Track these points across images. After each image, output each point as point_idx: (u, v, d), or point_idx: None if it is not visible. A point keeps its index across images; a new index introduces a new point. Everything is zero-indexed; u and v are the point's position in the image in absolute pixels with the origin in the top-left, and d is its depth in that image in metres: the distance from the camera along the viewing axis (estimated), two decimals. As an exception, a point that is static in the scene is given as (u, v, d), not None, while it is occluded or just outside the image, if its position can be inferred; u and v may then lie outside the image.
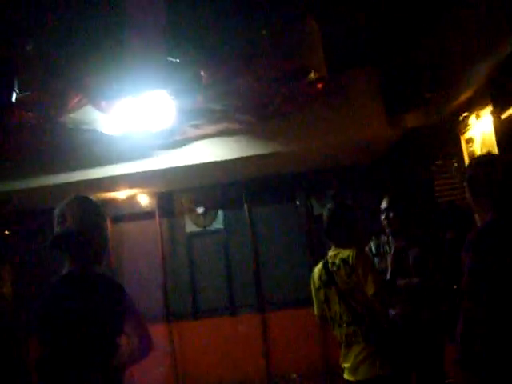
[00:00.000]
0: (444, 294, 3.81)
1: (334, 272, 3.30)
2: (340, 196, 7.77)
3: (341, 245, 3.37)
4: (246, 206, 8.38)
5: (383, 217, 4.04)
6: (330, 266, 3.34)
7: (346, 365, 3.35)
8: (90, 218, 2.58)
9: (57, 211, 2.59)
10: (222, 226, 8.50)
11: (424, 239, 3.97)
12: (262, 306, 8.12)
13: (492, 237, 2.20)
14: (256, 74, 5.39)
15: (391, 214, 3.99)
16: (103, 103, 5.03)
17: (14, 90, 4.16)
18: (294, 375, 7.51)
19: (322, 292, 3.40)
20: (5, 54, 4.14)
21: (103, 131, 5.52)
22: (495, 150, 4.75)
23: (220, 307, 8.24)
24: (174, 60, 4.45)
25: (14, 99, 4.17)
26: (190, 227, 8.48)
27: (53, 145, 6.00)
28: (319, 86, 5.81)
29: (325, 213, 3.49)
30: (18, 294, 7.83)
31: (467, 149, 5.78)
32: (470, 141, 5.70)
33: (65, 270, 2.53)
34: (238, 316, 8.22)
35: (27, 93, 4.58)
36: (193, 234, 8.50)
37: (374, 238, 4.17)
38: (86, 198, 2.70)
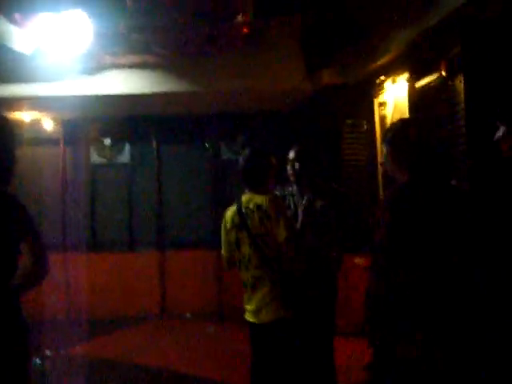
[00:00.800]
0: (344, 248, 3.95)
1: (248, 216, 3.34)
2: (250, 142, 7.80)
3: (255, 190, 3.39)
4: (154, 142, 8.27)
5: (289, 167, 4.01)
6: (243, 209, 3.37)
7: (249, 307, 3.40)
8: None
9: None
10: (127, 161, 8.34)
11: (328, 193, 3.99)
12: (161, 244, 8.14)
13: (407, 196, 2.33)
14: (181, 8, 5.26)
15: (298, 165, 3.96)
16: (17, 16, 4.73)
17: None
18: (188, 314, 7.65)
19: (233, 234, 3.42)
20: None
21: (15, 47, 5.19)
22: (406, 115, 4.96)
23: (119, 242, 8.19)
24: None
25: None
26: (96, 158, 8.27)
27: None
28: (244, 29, 5.76)
29: (242, 157, 3.49)
30: None
31: (379, 112, 6.00)
32: (382, 104, 5.91)
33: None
34: (136, 252, 8.20)
35: None
36: (97, 166, 8.31)
37: (278, 187, 4.13)
38: None
